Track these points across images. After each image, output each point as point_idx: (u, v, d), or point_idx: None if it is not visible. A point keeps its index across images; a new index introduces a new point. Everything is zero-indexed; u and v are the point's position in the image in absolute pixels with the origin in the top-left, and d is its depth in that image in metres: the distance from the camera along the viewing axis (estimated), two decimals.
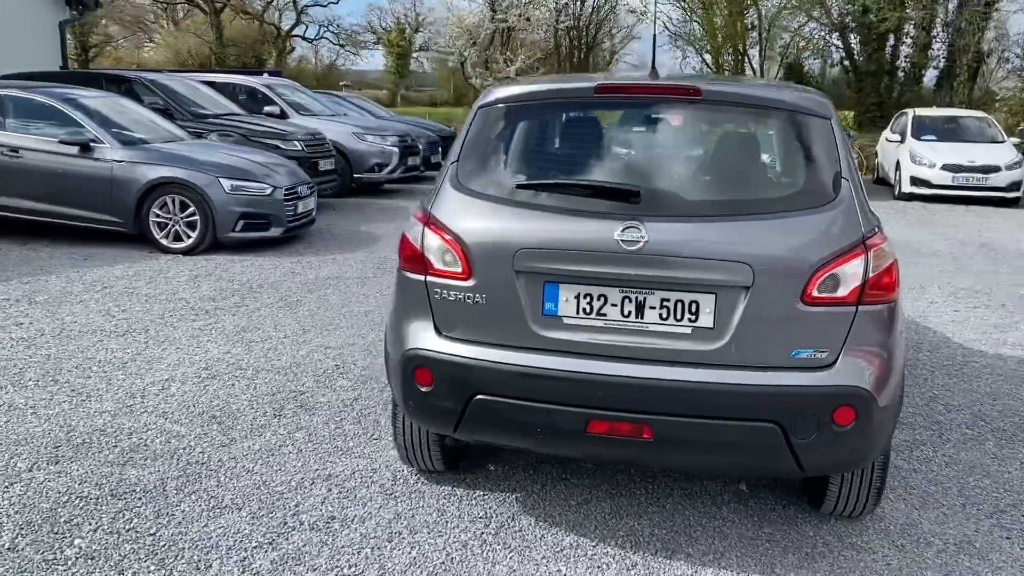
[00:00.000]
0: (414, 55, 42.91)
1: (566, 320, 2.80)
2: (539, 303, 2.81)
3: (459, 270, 2.87)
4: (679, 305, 2.73)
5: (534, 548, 2.90)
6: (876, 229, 2.74)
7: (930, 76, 24.80)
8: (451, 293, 2.86)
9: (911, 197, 13.69)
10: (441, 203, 2.97)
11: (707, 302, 2.71)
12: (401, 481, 3.35)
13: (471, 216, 2.91)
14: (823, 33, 26.33)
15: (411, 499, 3.21)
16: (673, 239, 2.73)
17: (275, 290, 6.25)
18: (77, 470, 3.30)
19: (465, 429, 2.90)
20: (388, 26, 43.40)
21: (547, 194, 2.90)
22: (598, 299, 2.78)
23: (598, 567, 2.80)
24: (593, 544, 2.93)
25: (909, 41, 24.28)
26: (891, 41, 24.23)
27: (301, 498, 3.18)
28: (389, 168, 12.48)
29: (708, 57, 29.03)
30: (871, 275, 2.64)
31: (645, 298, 2.75)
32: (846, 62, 25.86)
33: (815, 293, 2.64)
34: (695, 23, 28.95)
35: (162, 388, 4.22)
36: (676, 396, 2.68)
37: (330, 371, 4.55)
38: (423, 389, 2.89)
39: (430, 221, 2.94)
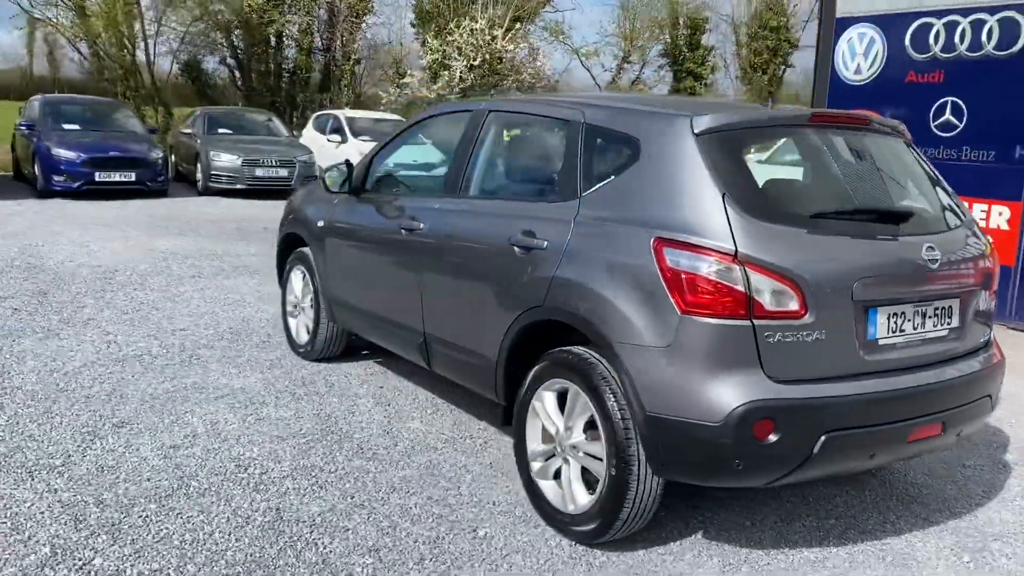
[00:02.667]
0: None
1: (881, 342, 3.01)
2: (864, 329, 2.97)
3: (795, 308, 2.82)
4: (942, 311, 3.19)
5: None
6: None
7: (325, 78, 27.86)
8: (785, 334, 2.79)
9: None
10: (746, 239, 2.80)
11: (955, 305, 3.24)
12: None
13: (794, 251, 2.85)
14: (212, 32, 27.20)
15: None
16: (950, 251, 3.21)
17: None
18: None
19: (803, 470, 2.87)
20: None
21: (836, 222, 3.03)
22: (900, 317, 3.06)
23: None
24: None
25: (294, 44, 27.03)
26: (274, 43, 26.60)
27: None
28: None
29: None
30: None
31: (926, 309, 3.14)
32: (231, 60, 27.37)
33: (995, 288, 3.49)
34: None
35: None
36: (957, 390, 3.15)
37: None
38: (764, 442, 2.75)
39: (749, 260, 2.78)
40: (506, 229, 3.57)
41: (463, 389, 4.95)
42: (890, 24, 8.19)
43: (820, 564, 3.23)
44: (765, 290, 2.79)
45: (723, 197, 2.89)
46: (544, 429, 3.42)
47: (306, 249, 5.37)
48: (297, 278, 5.51)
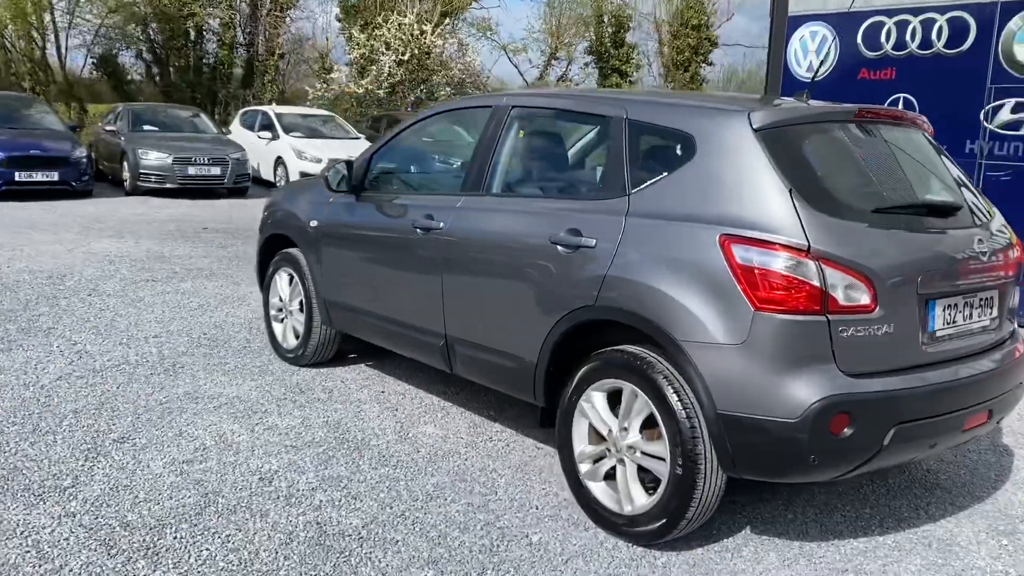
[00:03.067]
0: None
1: (938, 333, 3.08)
2: (926, 322, 3.03)
3: (867, 302, 2.84)
4: (985, 301, 3.28)
5: None
6: None
7: (248, 74, 26.94)
8: (857, 328, 2.82)
9: None
10: (817, 234, 2.81)
11: (995, 296, 3.33)
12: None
13: (862, 245, 2.89)
14: (128, 25, 26.04)
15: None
16: (993, 244, 3.29)
17: None
18: None
19: (873, 463, 2.93)
20: None
21: (895, 215, 3.10)
22: (953, 308, 3.14)
23: None
24: None
25: (215, 38, 26.09)
26: (193, 37, 25.64)
27: None
28: None
29: None
30: None
31: (973, 300, 3.22)
32: (148, 55, 26.24)
33: None
34: None
35: None
36: (1000, 379, 3.24)
37: None
38: (839, 436, 2.78)
39: (822, 255, 2.78)
40: (545, 227, 3.49)
41: (469, 391, 4.88)
42: (842, 22, 8.42)
43: (871, 553, 3.27)
44: (839, 285, 2.80)
45: (790, 192, 2.88)
46: (592, 430, 3.36)
47: (293, 251, 5.16)
48: (282, 281, 5.30)
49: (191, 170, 14.17)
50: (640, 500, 3.17)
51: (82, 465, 3.68)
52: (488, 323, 3.80)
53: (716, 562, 3.15)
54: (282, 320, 5.38)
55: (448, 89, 22.56)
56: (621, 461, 3.24)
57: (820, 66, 7.79)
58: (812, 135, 3.19)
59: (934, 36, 7.74)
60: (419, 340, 4.24)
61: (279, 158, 16.19)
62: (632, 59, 26.32)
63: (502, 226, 3.74)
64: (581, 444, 3.39)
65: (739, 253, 2.86)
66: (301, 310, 5.16)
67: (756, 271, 2.83)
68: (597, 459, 3.35)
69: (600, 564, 3.10)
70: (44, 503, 3.33)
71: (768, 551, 3.25)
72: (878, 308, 2.87)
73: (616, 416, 3.26)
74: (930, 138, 3.67)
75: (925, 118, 3.68)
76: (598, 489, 3.34)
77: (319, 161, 15.73)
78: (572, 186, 3.86)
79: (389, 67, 21.72)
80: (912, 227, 3.12)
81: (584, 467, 3.38)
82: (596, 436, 3.35)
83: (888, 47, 8.06)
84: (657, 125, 3.34)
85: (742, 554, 3.21)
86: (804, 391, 2.79)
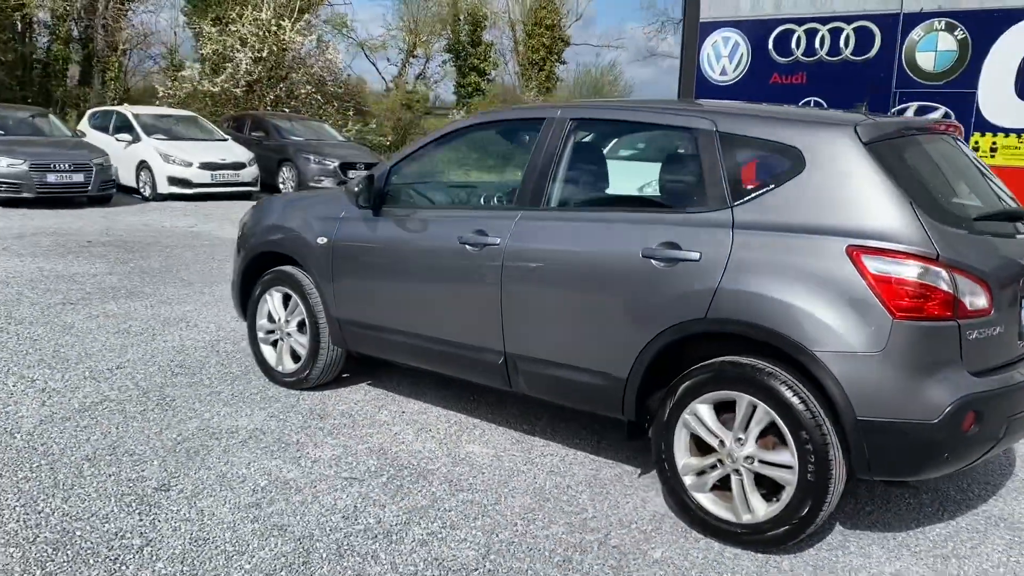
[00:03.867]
0: None
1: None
2: (1020, 320, 3.31)
3: (985, 306, 3.06)
4: None
5: None
6: None
7: (87, 71, 24.73)
8: (980, 331, 3.04)
9: (170, 197, 14.78)
10: (942, 243, 2.99)
11: None
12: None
13: (976, 252, 3.13)
14: None
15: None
16: None
17: None
18: None
19: (990, 453, 3.20)
20: None
21: (989, 222, 3.34)
22: None
23: None
24: None
25: (47, 32, 23.79)
26: (20, 29, 23.28)
27: None
28: None
29: None
30: None
31: None
32: None
33: None
34: None
35: None
36: None
37: None
38: (968, 433, 2.99)
39: (950, 263, 2.96)
40: (633, 242, 3.48)
41: (487, 405, 4.78)
42: (753, 29, 8.89)
43: (956, 537, 3.50)
44: (966, 291, 3.00)
45: (911, 204, 3.05)
46: (696, 442, 3.39)
47: (290, 269, 4.87)
48: (274, 301, 4.98)
49: (51, 177, 12.96)
50: (761, 508, 3.23)
51: (140, 521, 3.32)
52: (562, 339, 3.74)
53: (833, 561, 3.26)
54: (274, 343, 5.06)
55: (308, 87, 21.84)
56: (737, 471, 3.28)
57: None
58: (908, 147, 3.35)
59: (842, 44, 8.32)
60: (468, 358, 4.11)
61: (142, 162, 15.10)
62: (490, 57, 26.50)
63: (577, 241, 3.68)
64: (684, 457, 3.41)
65: (871, 264, 2.97)
66: (301, 330, 4.87)
67: (892, 280, 2.95)
68: (701, 471, 3.38)
69: (731, 575, 3.14)
70: (128, 568, 2.97)
71: (869, 545, 3.40)
72: (993, 311, 3.08)
73: (726, 427, 3.30)
74: (964, 147, 3.94)
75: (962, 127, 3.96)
76: (707, 500, 3.37)
77: (189, 165, 14.83)
78: (658, 200, 3.86)
79: (246, 65, 20.74)
80: (1004, 232, 3.36)
81: (689, 480, 3.41)
82: (699, 448, 3.39)
83: (799, 53, 8.58)
84: (756, 138, 3.40)
85: (849, 550, 3.34)
86: (941, 393, 2.96)
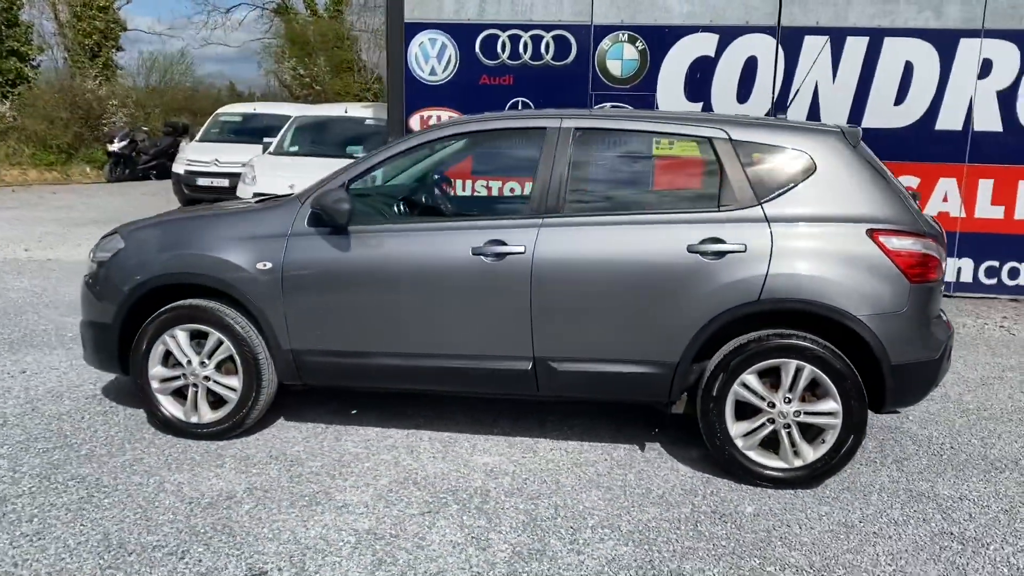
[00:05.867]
0: None
1: None
2: None
3: (945, 266, 4.03)
4: None
5: None
6: None
7: None
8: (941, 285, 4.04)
9: None
10: (921, 223, 3.87)
11: None
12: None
13: (929, 224, 3.98)
14: None
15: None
16: None
17: None
18: None
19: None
20: None
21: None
22: None
23: None
24: None
25: None
26: None
27: None
28: None
29: None
30: None
31: None
32: None
33: None
34: None
35: None
36: None
37: None
38: (946, 362, 3.99)
39: (932, 237, 3.88)
40: (676, 240, 3.87)
41: (453, 412, 4.72)
42: (459, 32, 9.39)
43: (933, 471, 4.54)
44: (941, 256, 3.96)
45: (899, 194, 3.92)
46: (747, 408, 3.91)
47: (204, 302, 4.22)
48: (180, 341, 4.26)
49: None
50: (810, 453, 3.89)
51: None
52: (606, 337, 3.96)
53: (852, 500, 4.05)
54: (175, 391, 4.34)
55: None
56: (787, 426, 3.89)
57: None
58: (865, 148, 4.17)
59: (543, 49, 9.26)
60: (486, 369, 4.08)
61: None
62: (32, 41, 22.77)
63: (614, 243, 3.93)
64: (735, 425, 3.92)
65: (889, 242, 3.79)
66: (220, 371, 4.26)
67: (904, 254, 3.79)
68: (749, 432, 3.93)
69: (811, 512, 3.75)
70: None
71: (871, 494, 4.24)
72: None
73: (771, 390, 3.89)
74: None
75: None
76: (757, 455, 3.93)
77: None
78: (683, 201, 4.18)
79: None
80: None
81: (740, 441, 3.93)
82: (750, 411, 3.93)
83: (504, 57, 9.32)
84: (766, 144, 3.99)
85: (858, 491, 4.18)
86: (938, 335, 3.95)
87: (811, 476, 3.92)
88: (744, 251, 3.84)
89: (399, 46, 9.52)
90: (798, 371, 3.85)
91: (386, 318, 4.13)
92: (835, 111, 8.57)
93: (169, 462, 4.05)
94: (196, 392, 4.31)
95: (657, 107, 9.20)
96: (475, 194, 7.42)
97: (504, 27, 9.32)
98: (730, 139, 4.00)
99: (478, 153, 7.11)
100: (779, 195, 3.93)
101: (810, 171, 3.94)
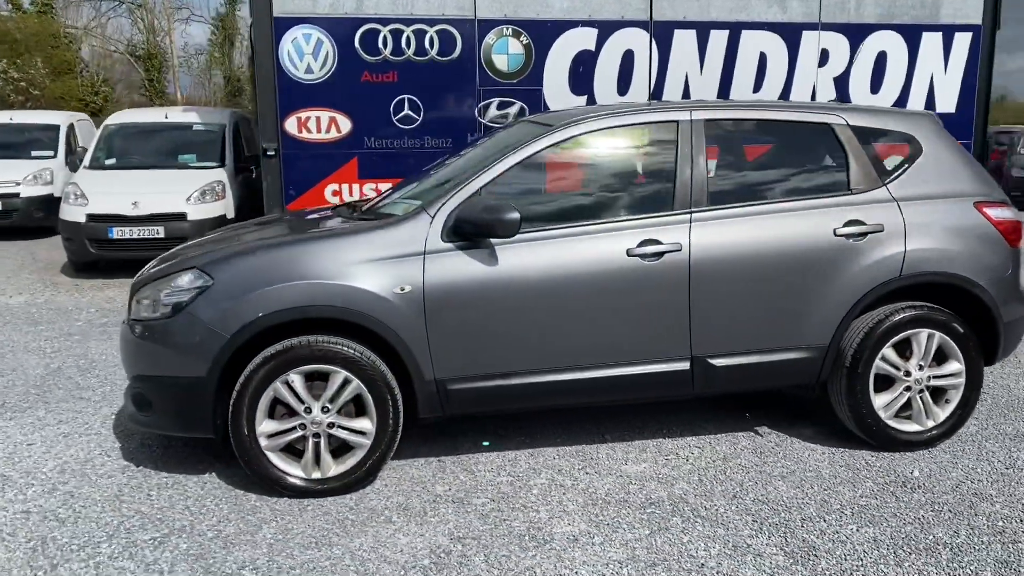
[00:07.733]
0: None
1: None
2: None
3: None
4: None
5: None
6: None
7: None
8: None
9: None
10: (999, 191, 4.27)
11: None
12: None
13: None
14: None
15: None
16: None
17: None
18: None
19: None
20: None
21: None
22: None
23: None
24: None
25: None
26: None
27: None
28: None
29: None
30: None
31: None
32: None
33: None
34: None
35: None
36: None
37: None
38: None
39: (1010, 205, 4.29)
40: (820, 224, 3.99)
41: (509, 425, 4.48)
42: (335, 27, 8.78)
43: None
44: None
45: (983, 170, 4.36)
46: (888, 375, 4.12)
47: (324, 338, 3.67)
48: (297, 385, 3.66)
49: None
50: (940, 414, 4.19)
51: None
52: (762, 328, 3.97)
53: (991, 449, 4.42)
54: (296, 444, 3.73)
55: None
56: (920, 391, 4.16)
57: None
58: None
59: (427, 45, 8.92)
60: (641, 375, 3.92)
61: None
62: None
63: (767, 232, 3.95)
64: (876, 397, 4.12)
65: (992, 213, 4.20)
66: (341, 414, 3.73)
67: (1005, 222, 4.24)
68: (890, 403, 4.15)
69: (970, 464, 4.05)
70: None
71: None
72: None
73: (904, 359, 4.14)
74: None
75: None
76: (895, 422, 4.17)
77: None
78: (815, 186, 4.20)
79: None
80: None
81: (882, 413, 4.14)
82: (888, 381, 4.15)
83: (387, 53, 8.86)
84: (880, 129, 4.21)
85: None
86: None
87: (942, 434, 4.22)
88: (882, 231, 4.05)
89: (268, 43, 8.71)
90: (929, 338, 4.13)
91: (543, 332, 3.83)
92: (704, 98, 9.19)
93: (326, 528, 3.46)
94: (318, 443, 3.72)
95: (544, 102, 9.26)
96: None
97: (385, 21, 8.86)
98: (848, 125, 4.18)
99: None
100: (899, 175, 4.18)
101: (918, 152, 4.24)
